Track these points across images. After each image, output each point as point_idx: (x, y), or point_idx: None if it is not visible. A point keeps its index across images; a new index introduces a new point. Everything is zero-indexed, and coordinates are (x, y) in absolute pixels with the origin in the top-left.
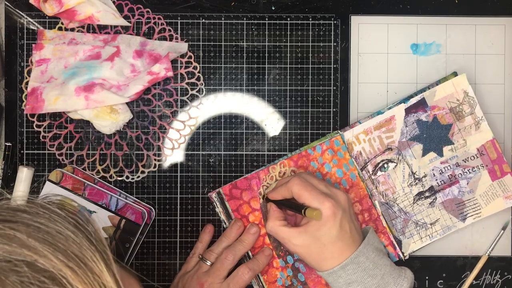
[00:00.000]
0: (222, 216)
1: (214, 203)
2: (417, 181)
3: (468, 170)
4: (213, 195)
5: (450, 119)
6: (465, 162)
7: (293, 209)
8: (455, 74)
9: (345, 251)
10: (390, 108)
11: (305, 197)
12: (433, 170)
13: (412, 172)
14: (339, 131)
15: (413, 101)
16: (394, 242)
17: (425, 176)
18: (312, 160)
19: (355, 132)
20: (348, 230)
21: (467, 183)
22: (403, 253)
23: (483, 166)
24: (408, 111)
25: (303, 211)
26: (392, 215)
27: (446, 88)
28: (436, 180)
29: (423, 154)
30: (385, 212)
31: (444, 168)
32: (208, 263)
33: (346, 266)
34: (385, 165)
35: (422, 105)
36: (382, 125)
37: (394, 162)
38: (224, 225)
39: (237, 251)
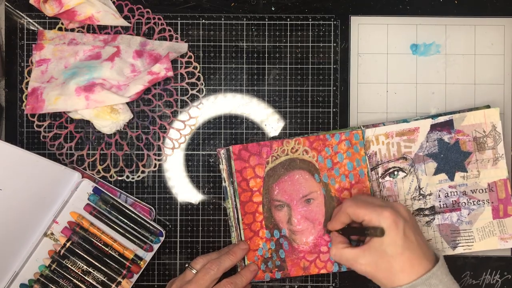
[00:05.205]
0: (224, 174)
1: (220, 159)
2: (421, 197)
3: (473, 202)
4: (222, 151)
5: (471, 147)
6: (473, 193)
7: (356, 234)
8: (487, 106)
9: (416, 264)
10: (417, 119)
11: (363, 214)
12: (439, 191)
13: (419, 187)
14: (362, 127)
15: (441, 119)
16: None
17: (430, 194)
18: (327, 146)
19: (376, 132)
20: (414, 240)
21: (468, 214)
22: None
23: (488, 202)
24: (433, 127)
25: (366, 232)
26: None
27: (476, 117)
28: (440, 201)
29: (435, 173)
30: None
31: (450, 192)
32: (194, 271)
33: (416, 286)
34: (396, 173)
35: (448, 126)
36: (405, 133)
37: (405, 173)
38: (224, 184)
39: (222, 263)
